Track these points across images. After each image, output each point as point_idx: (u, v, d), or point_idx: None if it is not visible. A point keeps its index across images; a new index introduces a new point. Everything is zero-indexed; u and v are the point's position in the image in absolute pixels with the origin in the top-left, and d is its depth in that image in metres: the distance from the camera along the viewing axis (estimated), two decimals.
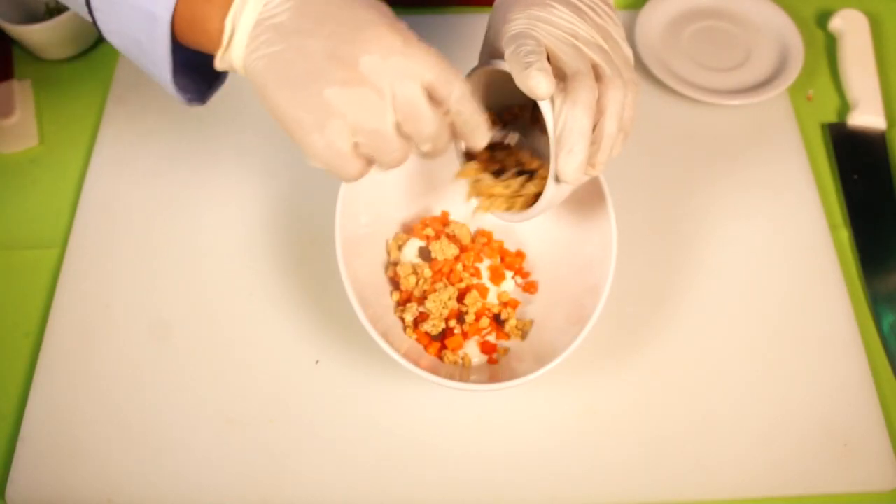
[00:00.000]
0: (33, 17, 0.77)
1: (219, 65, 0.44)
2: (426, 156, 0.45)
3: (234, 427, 0.58)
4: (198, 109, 0.51)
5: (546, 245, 0.63)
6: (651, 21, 0.77)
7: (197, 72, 0.48)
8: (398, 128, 0.42)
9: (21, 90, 0.75)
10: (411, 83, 0.41)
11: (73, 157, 0.72)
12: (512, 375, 0.52)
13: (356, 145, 0.42)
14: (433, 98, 0.42)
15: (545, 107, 0.44)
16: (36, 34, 0.74)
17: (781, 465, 0.56)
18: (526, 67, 0.42)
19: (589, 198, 0.57)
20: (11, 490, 0.56)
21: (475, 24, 0.79)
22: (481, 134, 0.45)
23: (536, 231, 0.63)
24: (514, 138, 0.54)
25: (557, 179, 0.45)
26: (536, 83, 0.42)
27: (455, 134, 0.45)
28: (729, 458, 0.57)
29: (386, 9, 0.42)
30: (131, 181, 0.70)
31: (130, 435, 0.58)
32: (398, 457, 0.57)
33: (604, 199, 0.56)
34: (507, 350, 0.59)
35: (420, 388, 0.59)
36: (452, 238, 0.61)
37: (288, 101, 0.41)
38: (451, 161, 0.63)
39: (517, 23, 0.46)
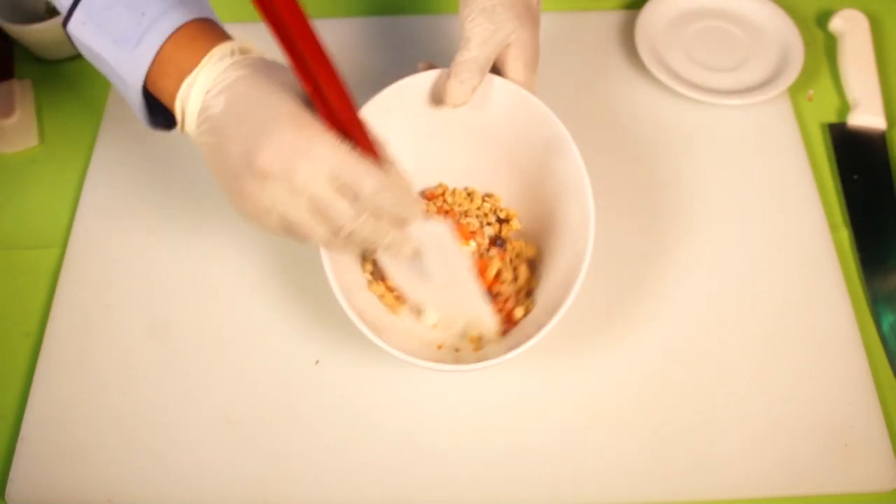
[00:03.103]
0: (33, 17, 0.77)
1: (181, 132, 0.48)
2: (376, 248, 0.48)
3: (234, 427, 0.58)
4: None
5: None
6: (651, 21, 0.77)
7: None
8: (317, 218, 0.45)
9: (21, 90, 0.75)
10: (315, 182, 0.43)
11: (73, 157, 0.72)
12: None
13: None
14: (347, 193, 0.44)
15: None
16: (36, 34, 0.74)
17: (781, 465, 0.56)
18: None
19: (569, 190, 0.57)
20: (11, 490, 0.56)
21: None
22: (412, 214, 0.48)
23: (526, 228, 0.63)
24: None
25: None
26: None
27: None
28: (729, 458, 0.57)
29: (296, 99, 0.44)
30: (131, 181, 0.70)
31: (130, 435, 0.58)
32: (398, 456, 0.57)
33: (585, 197, 0.55)
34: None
35: (420, 387, 0.59)
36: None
37: (224, 188, 0.46)
38: (442, 160, 0.64)
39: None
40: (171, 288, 0.64)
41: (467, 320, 0.58)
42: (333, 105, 0.42)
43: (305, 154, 0.42)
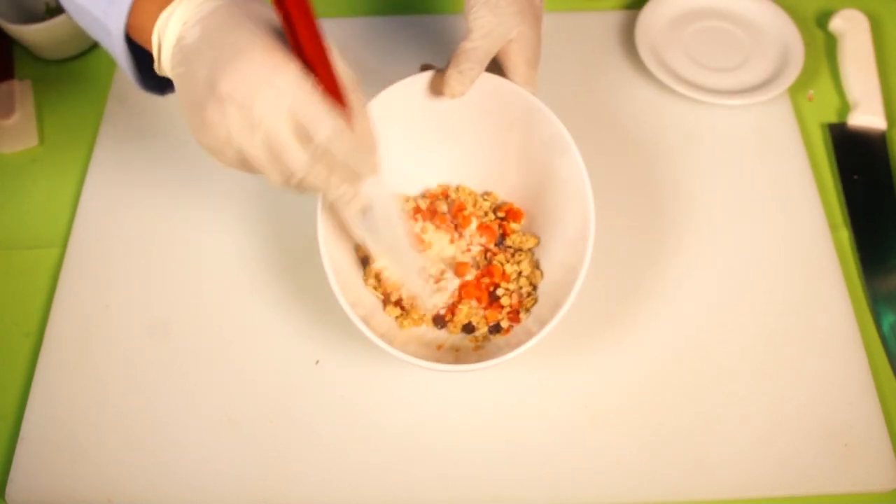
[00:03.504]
0: (33, 17, 0.77)
1: (158, 71, 0.47)
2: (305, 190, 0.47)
3: (234, 427, 0.58)
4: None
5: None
6: (651, 21, 0.77)
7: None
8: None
9: (21, 90, 0.75)
10: (273, 115, 0.42)
11: (73, 157, 0.72)
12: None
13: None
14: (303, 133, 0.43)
15: None
16: (36, 34, 0.74)
17: (781, 465, 0.56)
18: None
19: (570, 190, 0.57)
20: (11, 490, 0.56)
21: None
22: (367, 169, 0.47)
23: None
24: None
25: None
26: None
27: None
28: (729, 458, 0.57)
29: (269, 31, 0.43)
30: (131, 181, 0.70)
31: (130, 435, 0.58)
32: (398, 456, 0.57)
33: (585, 197, 0.55)
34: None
35: (420, 387, 0.59)
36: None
37: (188, 117, 0.45)
38: (441, 159, 0.64)
39: None
40: (171, 288, 0.64)
41: (406, 289, 0.58)
42: (301, 38, 0.42)
43: (266, 83, 0.42)
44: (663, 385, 0.59)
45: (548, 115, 0.56)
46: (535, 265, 0.61)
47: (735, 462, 0.56)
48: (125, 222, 0.68)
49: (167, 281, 0.65)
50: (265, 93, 0.42)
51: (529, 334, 0.52)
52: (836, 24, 0.77)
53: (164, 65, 0.46)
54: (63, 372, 0.61)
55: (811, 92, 0.75)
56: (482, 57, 0.54)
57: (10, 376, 0.61)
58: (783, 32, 0.76)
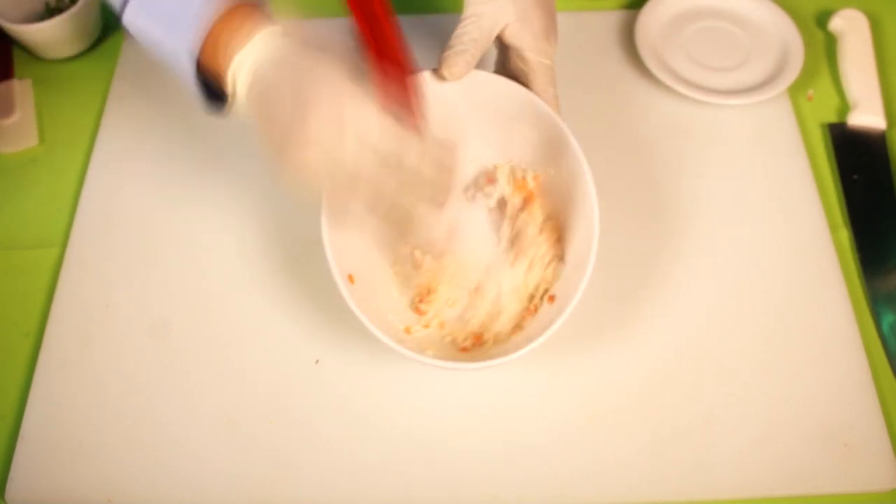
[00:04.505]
0: (33, 17, 0.77)
1: (231, 107, 0.50)
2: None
3: (234, 427, 0.58)
4: (198, 109, 0.53)
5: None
6: (651, 21, 0.77)
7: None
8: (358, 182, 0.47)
9: (21, 90, 0.75)
10: (358, 153, 0.46)
11: (73, 157, 0.72)
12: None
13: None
14: (387, 159, 0.47)
15: None
16: (36, 34, 0.74)
17: (781, 465, 0.56)
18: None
19: (573, 190, 0.57)
20: (11, 490, 0.56)
21: None
22: (440, 196, 0.50)
23: None
24: None
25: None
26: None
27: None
28: (728, 458, 0.56)
29: (345, 75, 0.46)
30: (131, 181, 0.70)
31: (130, 435, 0.58)
32: (398, 456, 0.57)
33: (588, 193, 0.56)
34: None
35: (420, 387, 0.59)
36: None
37: (269, 154, 0.48)
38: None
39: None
40: (171, 288, 0.64)
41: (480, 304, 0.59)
42: (389, 74, 0.45)
43: (349, 124, 0.45)
44: (663, 385, 0.59)
45: (549, 115, 0.56)
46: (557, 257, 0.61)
47: (735, 462, 0.56)
48: (125, 222, 0.68)
49: (167, 281, 0.65)
50: (348, 133, 0.45)
51: (530, 337, 0.52)
52: (836, 24, 0.77)
53: (240, 102, 0.49)
54: (63, 372, 0.61)
55: (811, 92, 0.75)
56: (475, 37, 0.56)
57: (10, 376, 0.61)
58: (783, 32, 0.76)
